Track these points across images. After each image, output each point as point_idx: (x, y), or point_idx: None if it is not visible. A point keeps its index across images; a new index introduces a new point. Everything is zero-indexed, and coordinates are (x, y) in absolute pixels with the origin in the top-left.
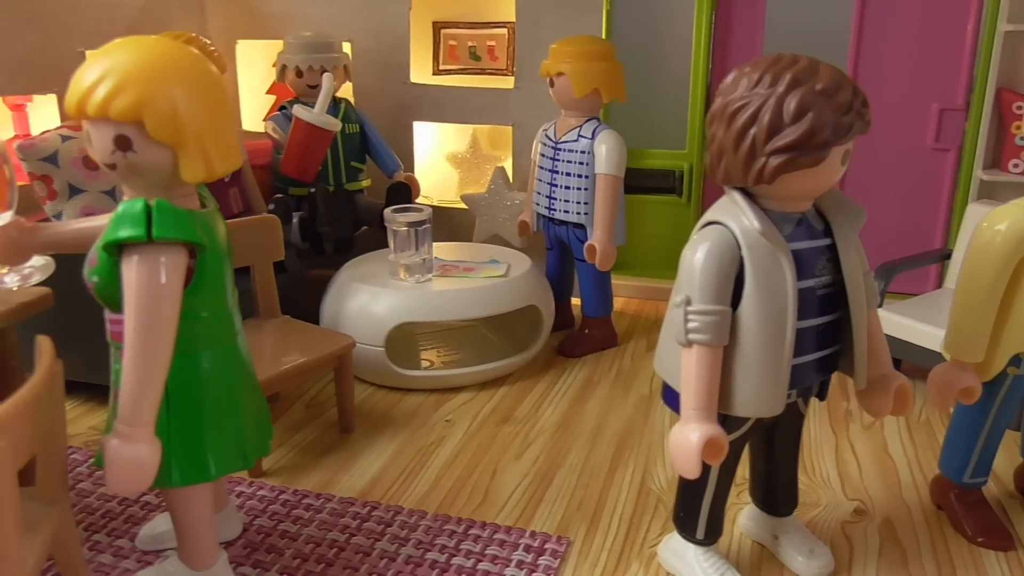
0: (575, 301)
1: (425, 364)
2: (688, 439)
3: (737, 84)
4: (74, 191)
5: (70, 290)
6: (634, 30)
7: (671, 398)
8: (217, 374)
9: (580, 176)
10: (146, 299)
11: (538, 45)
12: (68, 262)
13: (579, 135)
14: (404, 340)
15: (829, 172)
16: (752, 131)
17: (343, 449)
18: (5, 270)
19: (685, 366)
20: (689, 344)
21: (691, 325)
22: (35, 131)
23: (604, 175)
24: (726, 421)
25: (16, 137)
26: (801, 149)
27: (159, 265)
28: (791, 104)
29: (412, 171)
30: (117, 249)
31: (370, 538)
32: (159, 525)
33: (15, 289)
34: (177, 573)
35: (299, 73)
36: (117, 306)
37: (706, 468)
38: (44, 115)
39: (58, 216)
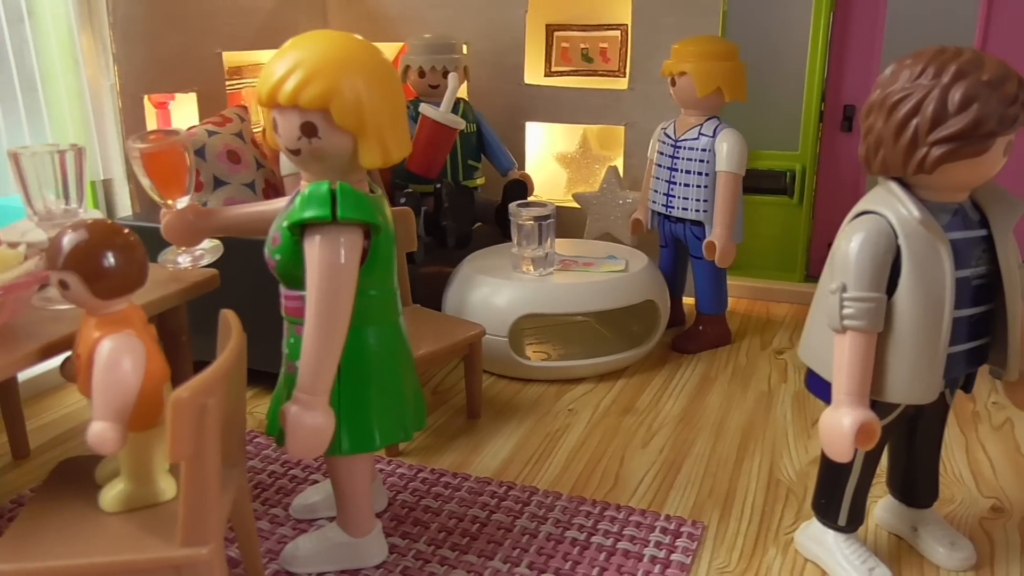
0: (686, 300)
1: (541, 356)
2: (841, 423)
3: (897, 76)
4: (218, 183)
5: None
6: (749, 31)
7: (817, 386)
8: (382, 349)
9: (700, 174)
10: (328, 276)
11: (654, 47)
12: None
13: (700, 133)
14: (516, 333)
15: (991, 163)
16: (915, 121)
17: (472, 433)
18: (180, 251)
19: (838, 352)
20: (844, 330)
21: (846, 311)
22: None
23: (725, 172)
24: (875, 407)
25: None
26: (965, 139)
27: (339, 245)
28: (956, 94)
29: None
30: (300, 229)
31: (509, 515)
32: (311, 495)
33: (188, 268)
34: (336, 539)
35: (421, 73)
36: (295, 283)
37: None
38: (184, 112)
39: (204, 205)
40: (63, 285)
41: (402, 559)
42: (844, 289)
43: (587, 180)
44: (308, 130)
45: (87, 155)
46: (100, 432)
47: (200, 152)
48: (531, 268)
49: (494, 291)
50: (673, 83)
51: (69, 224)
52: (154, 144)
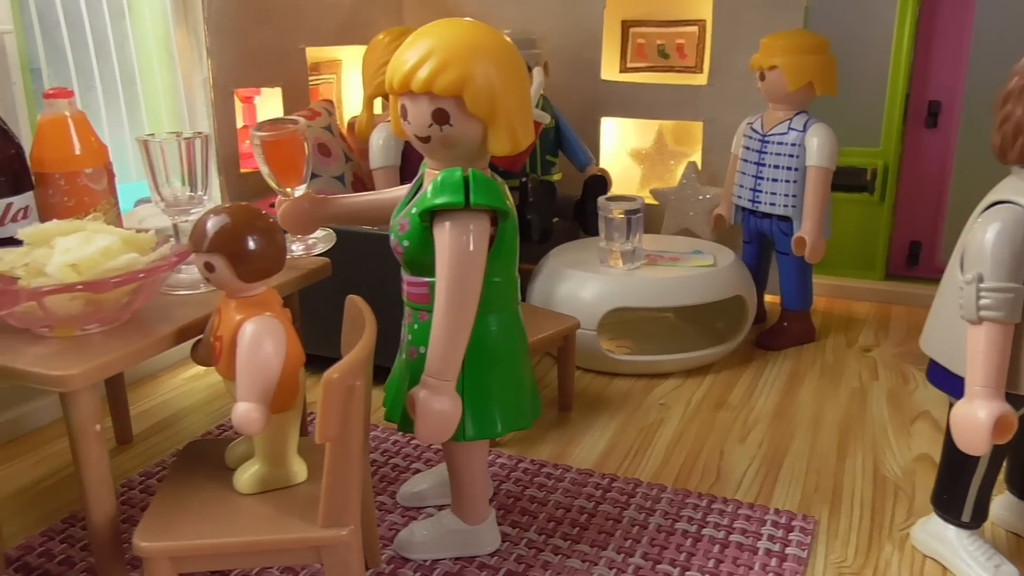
0: (768, 297)
1: (623, 351)
2: (976, 416)
3: None
4: (312, 175)
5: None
6: (832, 25)
7: (940, 378)
8: (503, 336)
9: (789, 168)
10: (458, 263)
11: (735, 42)
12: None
13: (789, 128)
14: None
15: None
16: None
17: (566, 425)
18: (294, 239)
19: (973, 343)
20: (980, 321)
21: (983, 302)
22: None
23: (816, 167)
24: (1008, 401)
25: (247, 127)
26: None
27: (469, 231)
28: None
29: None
30: (429, 215)
31: (616, 507)
32: (419, 483)
33: (302, 256)
34: (452, 525)
35: None
36: (421, 270)
37: None
38: (269, 107)
39: None
40: (208, 268)
41: (515, 547)
42: (981, 279)
43: (661, 176)
44: (440, 117)
45: (212, 143)
46: (245, 412)
47: None
48: (619, 262)
49: (582, 284)
50: (762, 77)
51: (211, 209)
52: (276, 133)
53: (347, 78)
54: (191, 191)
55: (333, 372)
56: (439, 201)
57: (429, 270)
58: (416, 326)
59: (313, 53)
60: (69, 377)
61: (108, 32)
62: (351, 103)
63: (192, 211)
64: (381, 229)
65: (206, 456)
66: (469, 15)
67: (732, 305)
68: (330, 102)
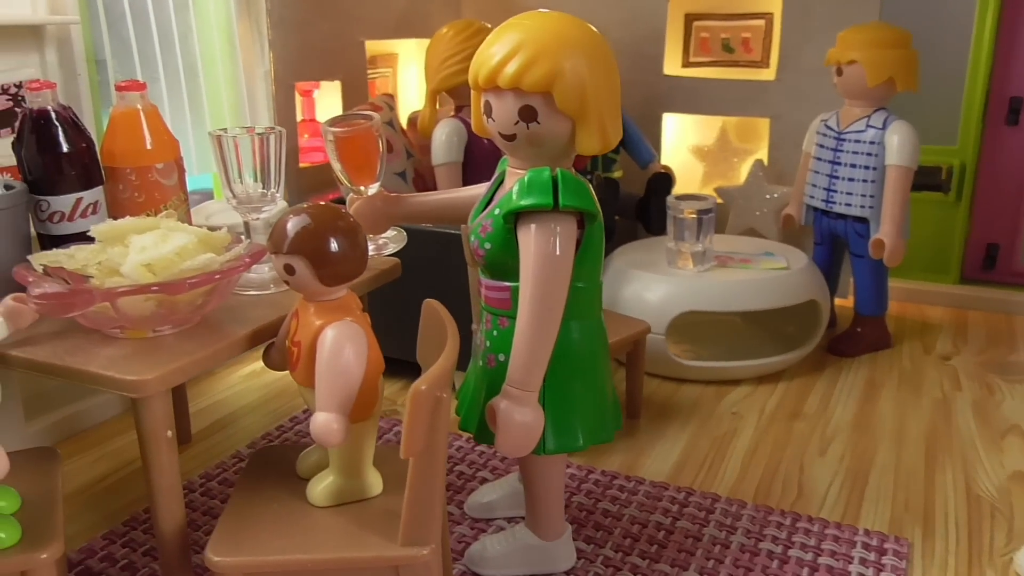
0: (839, 300)
1: (689, 356)
2: None
3: None
4: None
5: None
6: (908, 18)
7: None
8: (586, 344)
9: (866, 168)
10: (544, 267)
11: (805, 36)
12: None
13: (868, 125)
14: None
15: None
16: None
17: (635, 434)
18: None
19: None
20: None
21: None
22: (320, 116)
23: (896, 167)
24: None
25: (305, 121)
26: None
27: (555, 234)
28: None
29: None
30: (514, 217)
31: (695, 523)
32: (487, 494)
33: (373, 256)
34: (526, 540)
35: None
36: (503, 273)
37: None
38: (328, 101)
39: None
40: (288, 270)
41: (591, 565)
42: None
43: (724, 174)
44: (527, 114)
45: (285, 139)
46: (325, 423)
47: None
48: (689, 263)
49: (650, 286)
50: (839, 72)
51: (290, 208)
52: (350, 128)
53: (403, 72)
54: (263, 188)
55: (421, 383)
56: (526, 202)
57: (511, 274)
58: (495, 332)
59: (370, 47)
60: (144, 382)
61: (172, 24)
62: (407, 98)
63: (264, 208)
64: (449, 228)
65: (276, 464)
66: (530, 7)
67: (804, 309)
68: (390, 96)
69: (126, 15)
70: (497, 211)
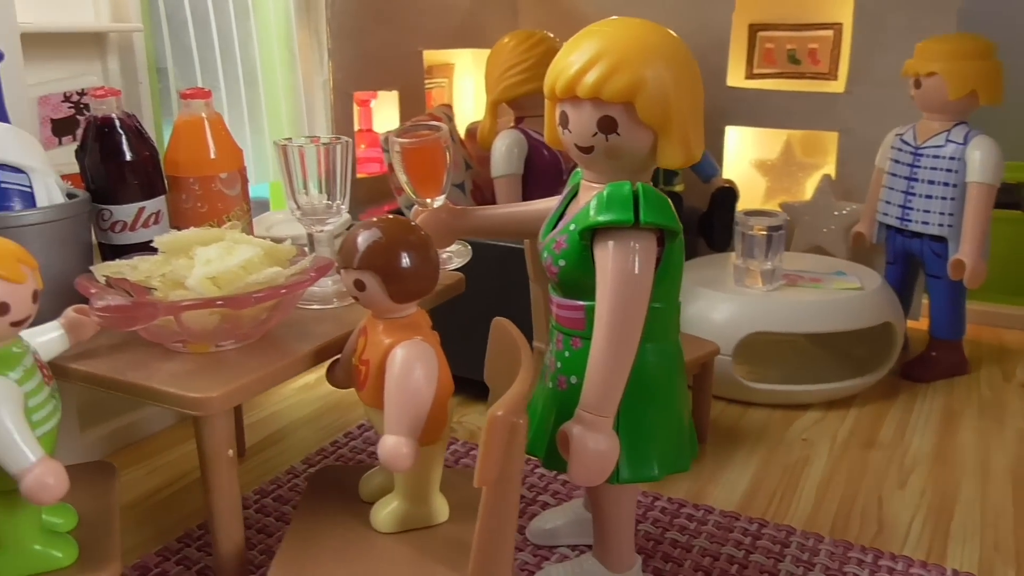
0: (911, 323)
1: (752, 377)
2: None
3: None
4: None
5: None
6: (985, 28)
7: None
8: (663, 368)
9: (946, 184)
10: (622, 287)
11: (877, 47)
12: None
13: (947, 140)
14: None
15: None
16: None
17: (702, 459)
18: None
19: None
20: None
21: None
22: (376, 127)
23: (978, 184)
24: None
25: (362, 131)
26: None
27: (635, 252)
28: None
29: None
30: (591, 233)
31: (770, 557)
32: (551, 519)
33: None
34: (594, 571)
35: None
36: (577, 292)
37: None
38: (385, 111)
39: (411, 207)
40: (358, 286)
41: None
42: None
43: (789, 189)
44: (607, 125)
45: (351, 149)
46: (394, 447)
47: None
48: (758, 282)
49: (716, 305)
50: (917, 84)
51: (360, 222)
52: (417, 140)
53: (459, 83)
54: (328, 199)
55: (497, 409)
56: (605, 218)
57: (586, 293)
58: (567, 353)
59: (427, 57)
60: (208, 400)
61: (233, 32)
62: (463, 108)
63: (328, 220)
64: (510, 243)
65: (337, 485)
66: (588, 17)
67: (877, 332)
68: (448, 107)
69: (188, 23)
70: (572, 227)
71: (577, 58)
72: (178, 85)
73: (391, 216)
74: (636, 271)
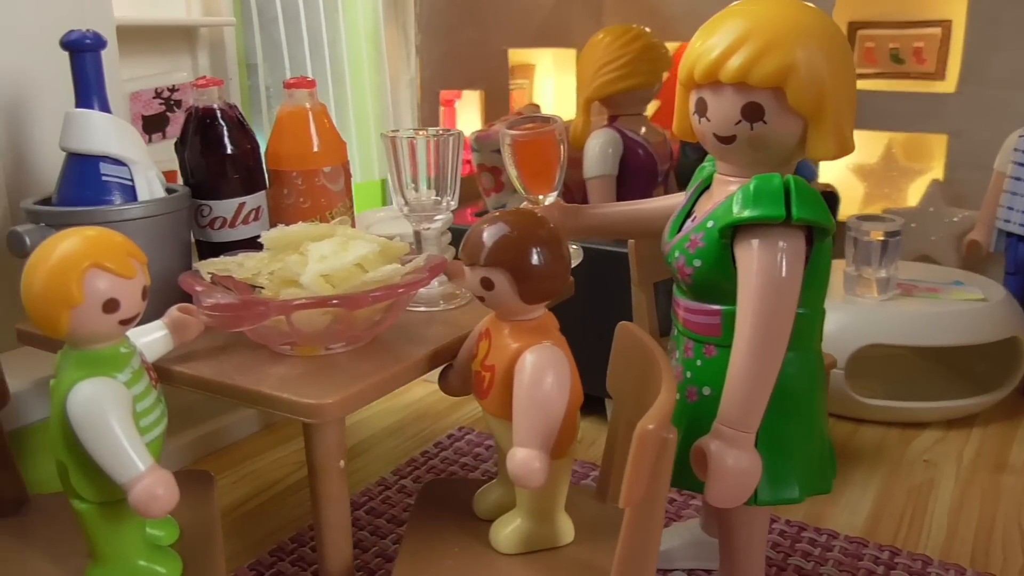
0: None
1: (865, 393)
2: None
3: None
4: None
5: None
6: None
7: None
8: (804, 380)
9: None
10: (769, 290)
11: (991, 45)
12: None
13: None
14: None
15: None
16: None
17: None
18: None
19: None
20: None
21: None
22: (461, 126)
23: None
24: None
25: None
26: None
27: (782, 251)
28: None
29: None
30: (731, 230)
31: None
32: (667, 540)
33: None
34: None
35: None
36: (713, 295)
37: None
38: (468, 112)
39: (501, 208)
40: (486, 284)
41: None
42: None
43: (889, 196)
44: (752, 113)
45: (462, 143)
46: (526, 462)
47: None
48: (873, 291)
49: (828, 315)
50: None
51: (485, 217)
52: (531, 131)
53: (540, 84)
54: (436, 195)
55: (648, 422)
56: (753, 213)
57: (723, 296)
58: (699, 362)
59: (509, 57)
60: (323, 407)
61: (322, 28)
62: (544, 109)
63: (436, 218)
64: (609, 245)
65: (448, 500)
66: (676, 14)
67: (1000, 347)
68: (537, 106)
69: (278, 18)
70: (711, 223)
71: (720, 40)
72: (268, 81)
73: (520, 209)
74: (784, 273)
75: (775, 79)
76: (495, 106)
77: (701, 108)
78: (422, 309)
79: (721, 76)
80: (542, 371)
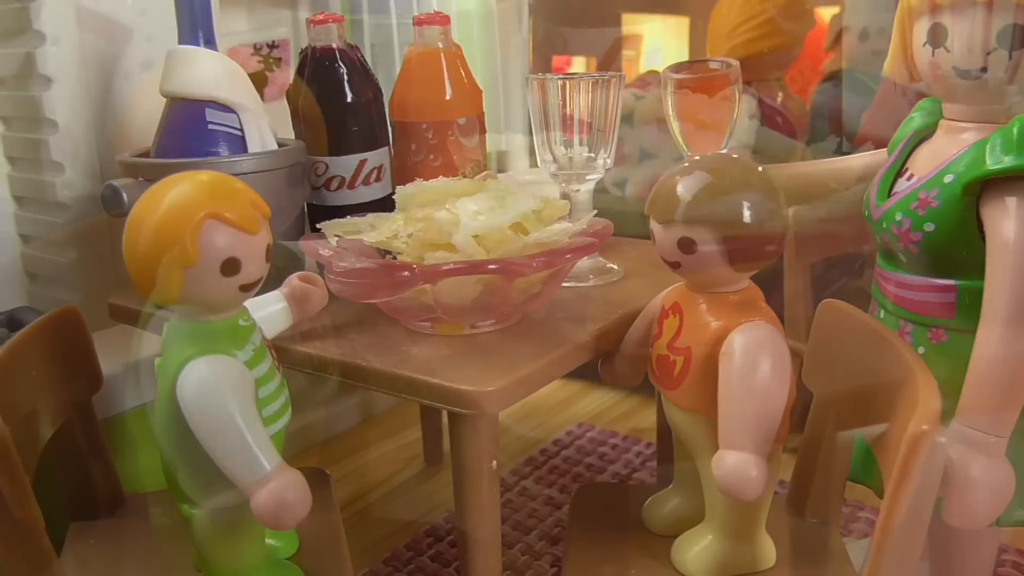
0: None
1: None
2: None
3: None
4: (644, 156)
5: None
6: None
7: None
8: None
9: None
10: None
11: None
12: None
13: None
14: None
15: None
16: None
17: None
18: None
19: None
20: None
21: None
22: None
23: None
24: None
25: None
26: None
27: None
28: None
29: None
30: (978, 186)
31: None
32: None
33: None
34: None
35: (865, 36)
36: (944, 267)
37: None
38: None
39: (621, 185)
40: (684, 247)
41: None
42: None
43: None
44: (1017, 36)
45: (621, 85)
46: (741, 468)
47: (628, 119)
48: None
49: None
50: None
51: (679, 166)
52: (698, 75)
53: (648, 55)
54: (589, 152)
55: (921, 423)
56: (1018, 162)
57: (958, 268)
58: (922, 349)
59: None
60: (486, 395)
61: None
62: None
63: (588, 177)
64: None
65: (608, 509)
66: None
67: None
68: (657, 73)
69: None
70: (948, 178)
71: None
72: (373, 40)
73: (723, 153)
74: None
75: None
76: None
77: (937, 37)
78: (571, 284)
79: None
80: (757, 356)
